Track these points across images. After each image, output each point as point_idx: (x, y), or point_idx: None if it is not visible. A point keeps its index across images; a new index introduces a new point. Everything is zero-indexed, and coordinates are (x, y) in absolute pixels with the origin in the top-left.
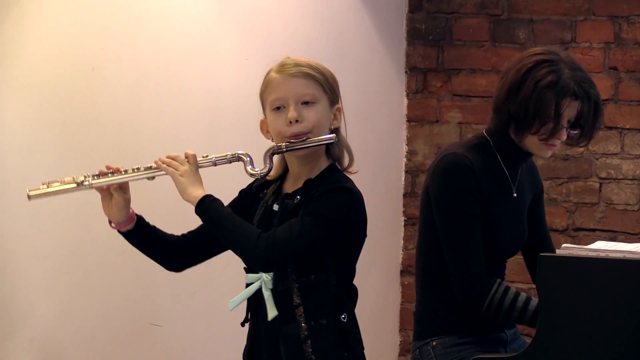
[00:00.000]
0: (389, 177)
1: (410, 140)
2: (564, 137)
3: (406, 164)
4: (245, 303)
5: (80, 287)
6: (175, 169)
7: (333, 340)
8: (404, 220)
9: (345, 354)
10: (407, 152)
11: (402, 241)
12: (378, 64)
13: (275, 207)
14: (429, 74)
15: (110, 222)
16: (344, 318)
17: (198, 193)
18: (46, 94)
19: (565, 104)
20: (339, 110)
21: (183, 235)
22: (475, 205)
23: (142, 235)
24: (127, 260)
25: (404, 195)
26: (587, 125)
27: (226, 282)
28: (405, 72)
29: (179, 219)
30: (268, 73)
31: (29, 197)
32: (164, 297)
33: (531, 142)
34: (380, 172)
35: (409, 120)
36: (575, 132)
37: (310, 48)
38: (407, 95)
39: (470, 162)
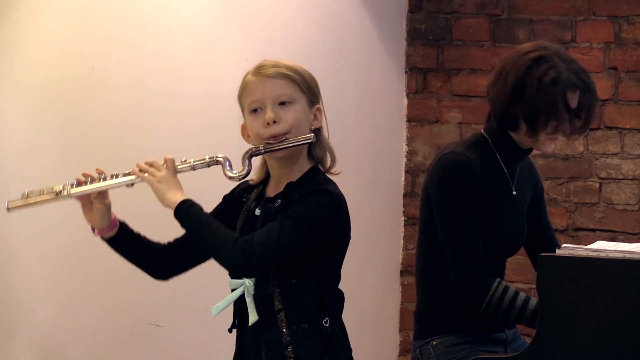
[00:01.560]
0: (389, 177)
1: (410, 140)
2: (568, 130)
3: (406, 164)
4: (232, 309)
5: (80, 287)
6: (153, 176)
7: (315, 346)
8: (404, 220)
9: (328, 359)
10: (407, 152)
11: (402, 241)
12: (378, 64)
13: (258, 211)
14: (429, 74)
15: (93, 229)
16: (325, 323)
17: (176, 198)
18: (46, 94)
19: (570, 97)
20: (320, 110)
21: (169, 243)
22: (474, 204)
23: (126, 241)
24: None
25: (404, 195)
26: (587, 114)
27: (226, 282)
28: (405, 72)
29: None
30: (245, 77)
31: (8, 209)
32: (164, 297)
33: (539, 139)
34: (380, 172)
35: (409, 120)
36: (577, 122)
37: (310, 48)
38: (407, 95)
39: (469, 160)
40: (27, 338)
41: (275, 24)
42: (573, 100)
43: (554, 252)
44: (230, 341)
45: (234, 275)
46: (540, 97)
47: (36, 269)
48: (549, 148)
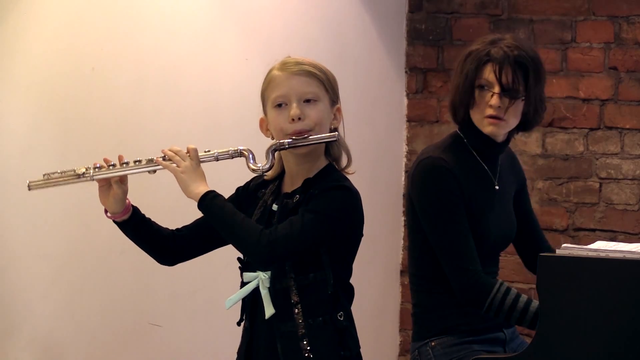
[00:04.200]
0: (389, 177)
1: (410, 140)
2: (495, 102)
3: (406, 164)
4: (240, 303)
5: (80, 286)
6: (177, 165)
7: (330, 339)
8: (404, 220)
9: (342, 352)
10: (407, 152)
11: (402, 241)
12: (378, 64)
13: (275, 207)
14: (429, 74)
15: (106, 211)
16: (340, 316)
17: (200, 190)
18: (46, 94)
19: (486, 69)
20: (339, 110)
21: (177, 229)
22: (459, 205)
23: (137, 226)
24: (127, 260)
25: (404, 195)
26: (523, 87)
27: (226, 281)
28: (405, 72)
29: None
30: (270, 71)
31: (29, 187)
32: (164, 297)
33: (476, 120)
34: (380, 172)
35: (409, 120)
36: (515, 98)
37: (310, 48)
38: (407, 95)
39: (446, 163)
40: (27, 338)
41: (275, 24)
42: (493, 73)
43: (538, 241)
44: (230, 341)
45: (255, 266)
46: (458, 71)
47: (36, 268)
48: (486, 128)
